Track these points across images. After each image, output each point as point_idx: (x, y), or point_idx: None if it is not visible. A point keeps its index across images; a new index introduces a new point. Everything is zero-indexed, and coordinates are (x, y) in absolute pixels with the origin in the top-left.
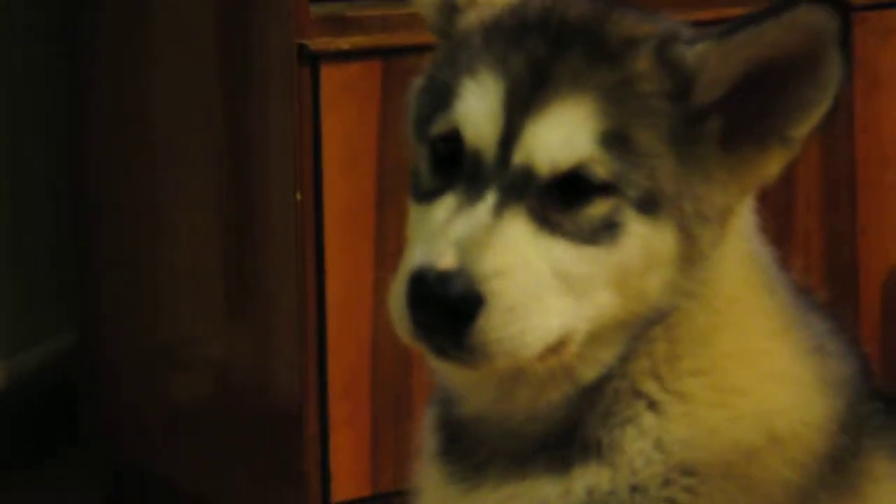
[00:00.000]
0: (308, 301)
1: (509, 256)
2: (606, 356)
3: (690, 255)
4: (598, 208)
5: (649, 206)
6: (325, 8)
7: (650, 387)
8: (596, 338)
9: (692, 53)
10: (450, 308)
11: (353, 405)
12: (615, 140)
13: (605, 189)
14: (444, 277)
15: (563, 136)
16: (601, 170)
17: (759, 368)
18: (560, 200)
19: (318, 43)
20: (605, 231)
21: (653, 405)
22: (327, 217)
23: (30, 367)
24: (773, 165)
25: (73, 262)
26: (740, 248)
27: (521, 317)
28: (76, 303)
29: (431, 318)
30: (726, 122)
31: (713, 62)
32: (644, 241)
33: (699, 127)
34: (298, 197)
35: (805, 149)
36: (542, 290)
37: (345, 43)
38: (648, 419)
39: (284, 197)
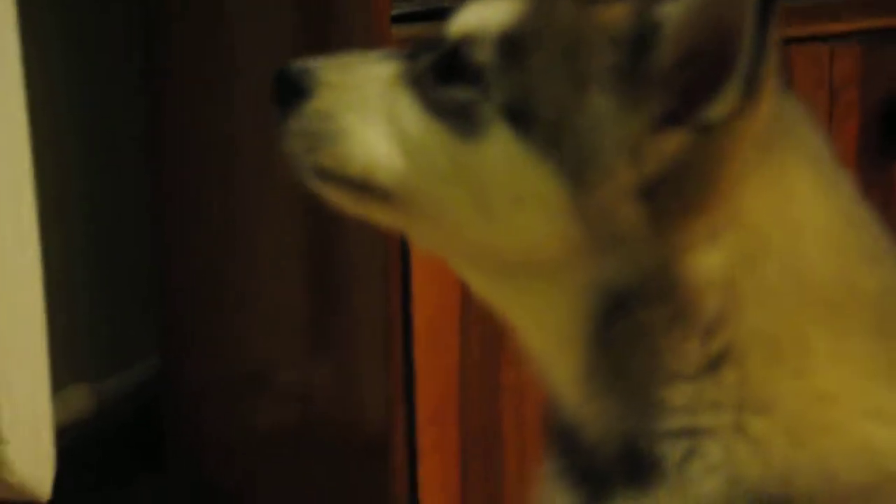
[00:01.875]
0: (394, 326)
1: (354, 79)
2: (559, 321)
3: (600, 219)
4: (461, 92)
5: (518, 118)
6: (408, 29)
7: (708, 416)
8: (515, 283)
9: (660, 12)
10: (280, 82)
11: (440, 432)
12: (514, 43)
13: (475, 78)
14: (295, 66)
15: (474, 10)
16: (480, 55)
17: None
18: (440, 74)
19: None
20: (464, 121)
21: (715, 435)
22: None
23: (116, 392)
24: (673, 148)
25: (155, 288)
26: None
27: (335, 124)
28: (160, 329)
29: (274, 94)
30: (663, 100)
31: (678, 23)
32: (505, 153)
33: (638, 90)
34: None
35: None
36: (366, 120)
37: None
38: (714, 452)
39: (370, 223)
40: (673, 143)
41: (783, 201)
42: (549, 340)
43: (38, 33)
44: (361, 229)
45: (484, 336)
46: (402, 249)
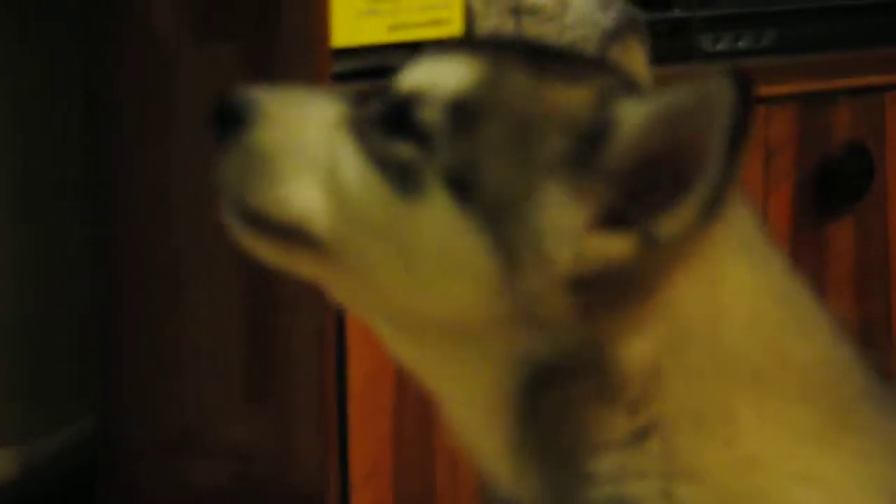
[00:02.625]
0: (329, 387)
1: (298, 116)
2: (488, 384)
3: (528, 301)
4: (404, 149)
5: (460, 187)
6: (351, 89)
7: (635, 484)
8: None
9: (621, 110)
10: (222, 109)
11: (375, 493)
12: (465, 110)
13: (421, 138)
14: (239, 93)
15: (427, 67)
16: (427, 115)
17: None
18: (385, 126)
19: None
20: (404, 179)
21: (643, 503)
22: None
23: (48, 454)
24: (619, 252)
25: (91, 346)
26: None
27: (271, 165)
28: (95, 388)
29: (214, 120)
30: (611, 199)
31: (637, 126)
32: (441, 220)
33: (587, 184)
34: None
35: (837, 234)
36: (305, 164)
37: None
38: None
39: (307, 282)
40: (615, 245)
41: (711, 288)
42: (475, 412)
43: None
44: (299, 290)
45: (420, 397)
46: (339, 310)
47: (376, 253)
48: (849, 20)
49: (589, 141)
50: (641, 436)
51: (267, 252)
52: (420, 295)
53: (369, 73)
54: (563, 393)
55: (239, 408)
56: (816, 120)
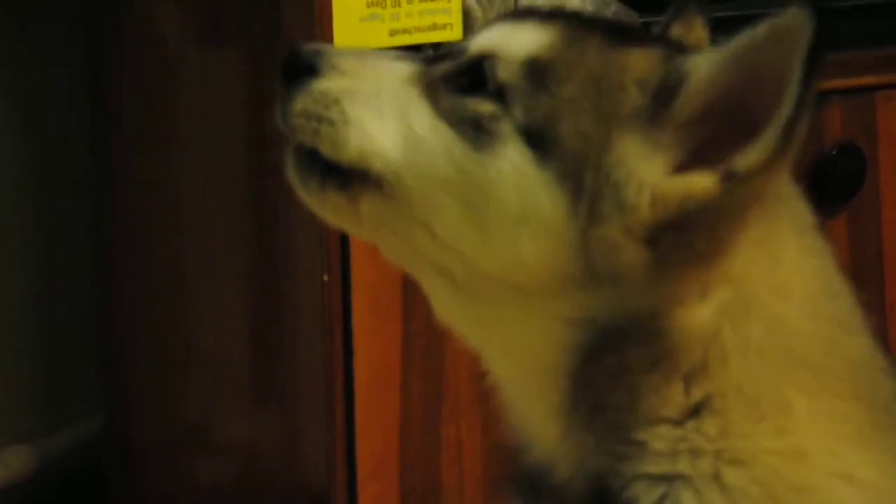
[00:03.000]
0: (335, 382)
1: (368, 70)
2: (537, 347)
3: (602, 255)
4: (477, 105)
5: (536, 141)
6: None
7: (686, 462)
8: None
9: (690, 62)
10: (292, 59)
11: (381, 488)
12: (543, 69)
13: (497, 95)
14: (310, 46)
15: (500, 31)
16: (504, 73)
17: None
18: (456, 84)
19: None
20: (477, 132)
21: (691, 482)
22: (355, 298)
23: (57, 452)
24: (702, 189)
25: (98, 344)
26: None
27: (340, 109)
28: (102, 385)
29: (283, 69)
30: (686, 146)
31: (706, 74)
32: (518, 172)
33: (662, 134)
34: (325, 278)
35: (831, 233)
36: (376, 109)
37: None
38: (688, 499)
39: (311, 278)
40: (697, 184)
41: (772, 264)
42: (527, 374)
43: None
44: (305, 288)
45: (425, 392)
46: (345, 307)
47: (441, 202)
48: (840, 22)
49: (659, 94)
50: (696, 412)
51: (331, 202)
52: (483, 246)
53: None
54: (621, 358)
55: (245, 405)
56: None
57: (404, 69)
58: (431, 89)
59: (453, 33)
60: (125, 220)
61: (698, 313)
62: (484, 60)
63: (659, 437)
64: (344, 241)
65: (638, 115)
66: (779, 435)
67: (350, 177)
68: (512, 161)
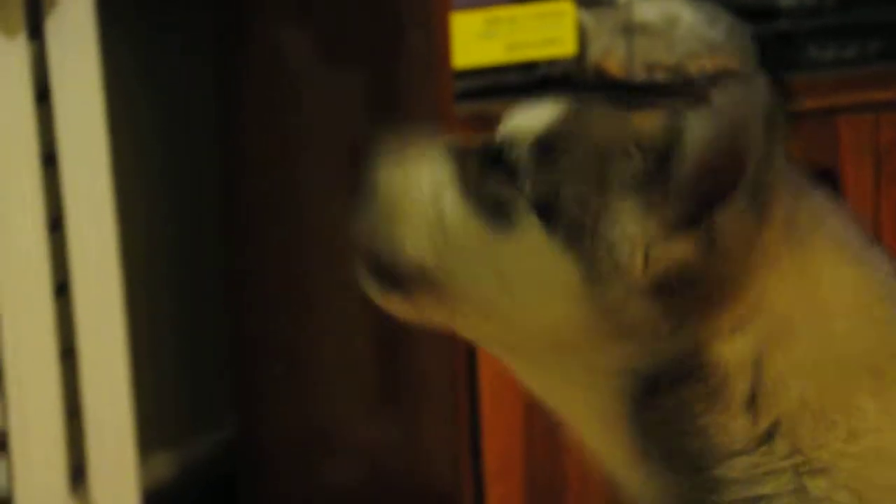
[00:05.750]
0: (460, 383)
1: (412, 180)
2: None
3: (614, 311)
4: (498, 188)
5: (544, 213)
6: (471, 107)
7: (768, 484)
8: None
9: (684, 122)
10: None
11: (507, 488)
12: (547, 145)
13: (513, 174)
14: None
15: (520, 114)
16: (517, 154)
17: None
18: (484, 170)
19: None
20: (500, 213)
21: (778, 500)
22: None
23: (195, 457)
24: (684, 254)
25: (230, 351)
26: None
27: (388, 218)
28: (235, 392)
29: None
30: (679, 206)
31: (699, 135)
32: (534, 244)
33: (657, 195)
34: None
35: None
36: (416, 213)
37: None
38: None
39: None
40: (680, 248)
41: (810, 286)
42: (596, 425)
43: (125, 97)
44: None
45: None
46: None
47: (476, 279)
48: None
49: (659, 156)
50: (767, 438)
51: (396, 304)
52: (523, 315)
53: (488, 91)
54: (675, 400)
55: (371, 407)
56: None
57: (443, 172)
58: (465, 180)
59: (567, 47)
60: (255, 242)
61: (736, 346)
62: (504, 145)
63: (736, 469)
64: None
65: (636, 177)
66: (854, 439)
67: (406, 279)
68: (528, 235)
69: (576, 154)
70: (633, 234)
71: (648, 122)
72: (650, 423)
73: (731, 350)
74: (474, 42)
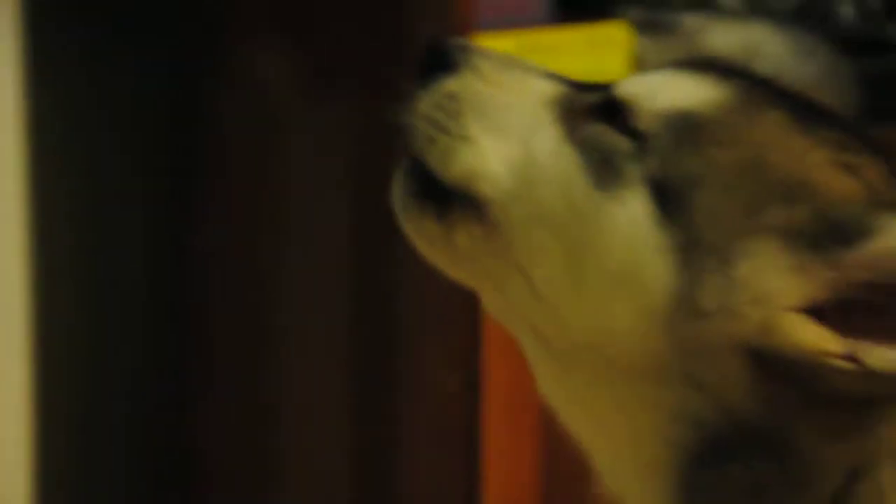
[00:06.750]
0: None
1: (506, 80)
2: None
3: (694, 353)
4: (615, 139)
5: (665, 199)
6: None
7: None
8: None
9: (886, 221)
10: (432, 51)
11: None
12: (698, 126)
13: (637, 137)
14: (456, 41)
15: (654, 79)
16: (647, 119)
17: None
18: (600, 116)
19: None
20: (605, 168)
21: None
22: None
23: None
24: (816, 346)
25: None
26: None
27: (458, 125)
28: None
29: (421, 62)
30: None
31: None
32: (634, 225)
33: (811, 263)
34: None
35: None
36: (500, 125)
37: None
38: None
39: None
40: (814, 337)
41: None
42: (627, 468)
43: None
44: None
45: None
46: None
47: (545, 244)
48: None
49: (839, 232)
50: None
51: (427, 231)
52: (578, 307)
53: None
54: (748, 473)
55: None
56: None
57: (548, 88)
58: (570, 116)
59: None
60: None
61: (840, 446)
62: (628, 102)
63: None
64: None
65: (797, 228)
66: None
67: (451, 203)
68: (631, 210)
69: (735, 153)
70: (767, 285)
71: (843, 182)
72: (704, 486)
73: (833, 449)
74: None
